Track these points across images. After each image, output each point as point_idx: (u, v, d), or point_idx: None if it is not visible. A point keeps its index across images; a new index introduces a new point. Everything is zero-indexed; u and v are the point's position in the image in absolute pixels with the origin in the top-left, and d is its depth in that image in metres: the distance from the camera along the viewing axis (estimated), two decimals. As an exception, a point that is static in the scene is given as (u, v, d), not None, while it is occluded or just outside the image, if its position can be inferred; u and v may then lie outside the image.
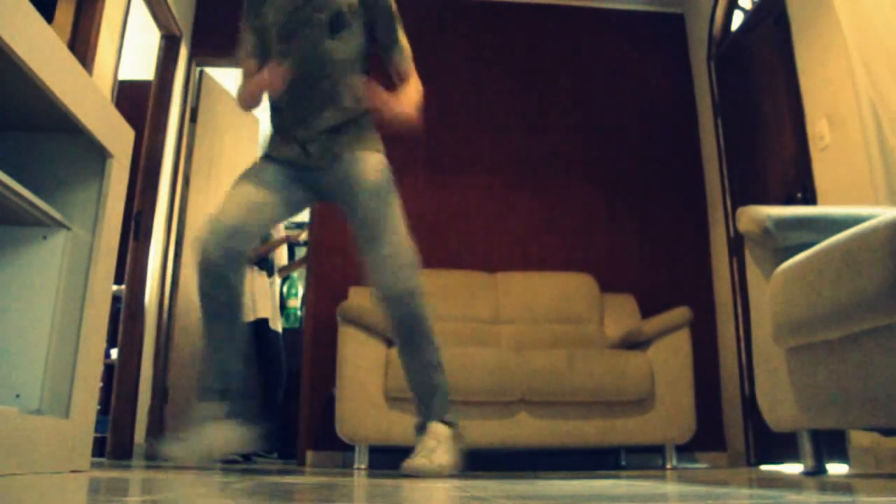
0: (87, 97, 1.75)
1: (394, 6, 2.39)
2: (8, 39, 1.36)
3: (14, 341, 1.73)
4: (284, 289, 5.88)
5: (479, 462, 3.48)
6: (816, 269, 1.87)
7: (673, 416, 3.19)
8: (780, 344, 2.11)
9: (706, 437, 3.61)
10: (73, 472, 1.75)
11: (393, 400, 3.06)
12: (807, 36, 3.17)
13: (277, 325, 4.53)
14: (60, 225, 1.82)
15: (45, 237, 1.82)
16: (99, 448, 3.31)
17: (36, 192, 1.72)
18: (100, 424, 2.89)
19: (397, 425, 3.03)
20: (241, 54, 2.41)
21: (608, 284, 3.92)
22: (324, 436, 3.55)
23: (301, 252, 5.81)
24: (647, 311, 3.70)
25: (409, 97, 2.35)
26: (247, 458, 3.93)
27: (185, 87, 4.16)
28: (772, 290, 2.10)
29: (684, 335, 3.29)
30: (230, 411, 2.18)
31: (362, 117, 2.36)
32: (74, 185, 1.90)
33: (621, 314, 3.78)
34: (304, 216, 5.41)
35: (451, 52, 4.36)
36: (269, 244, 4.27)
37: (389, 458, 2.79)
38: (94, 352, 1.90)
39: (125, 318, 3.53)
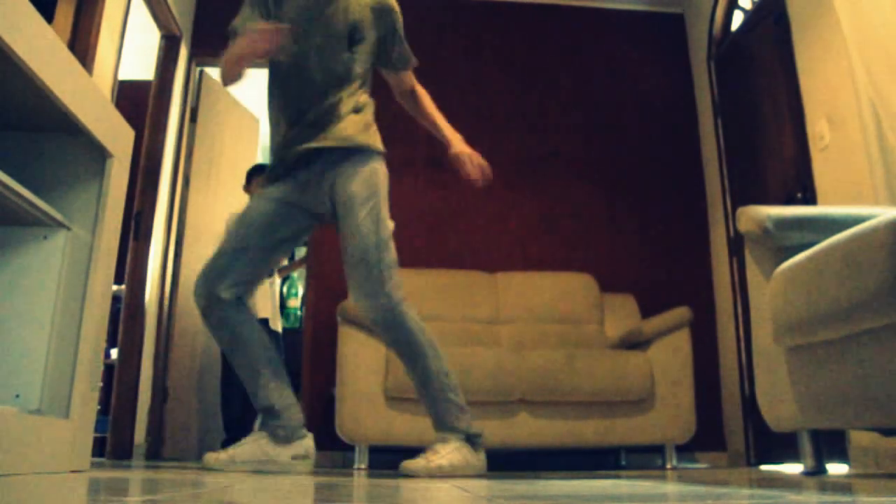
0: (87, 97, 1.75)
1: (401, 22, 2.37)
2: (8, 39, 1.36)
3: (14, 341, 1.73)
4: (284, 289, 5.89)
5: (479, 462, 3.48)
6: (816, 269, 1.87)
7: (673, 416, 3.19)
8: (780, 344, 2.11)
9: (706, 437, 3.61)
10: (73, 472, 1.75)
11: (393, 400, 3.06)
12: (807, 36, 3.16)
13: (277, 325, 4.53)
14: (60, 225, 1.82)
15: (45, 237, 1.82)
16: (99, 448, 3.31)
17: (36, 192, 1.72)
18: (100, 424, 2.89)
19: (397, 425, 3.03)
20: (237, 22, 2.23)
21: (608, 284, 3.91)
22: (324, 436, 3.54)
23: (301, 252, 5.81)
24: (647, 311, 3.70)
25: (469, 151, 2.44)
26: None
27: (185, 87, 4.16)
28: (772, 290, 2.10)
29: (684, 335, 3.29)
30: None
31: (362, 132, 2.30)
32: (74, 185, 1.90)
33: (621, 314, 3.78)
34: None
35: (451, 52, 4.36)
36: (269, 244, 4.25)
37: (389, 458, 2.78)
38: (94, 352, 1.90)
39: (125, 318, 3.53)
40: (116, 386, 3.46)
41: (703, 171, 4.27)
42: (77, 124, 1.74)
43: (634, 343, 3.35)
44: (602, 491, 1.37)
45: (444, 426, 2.24)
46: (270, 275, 4.50)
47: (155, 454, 3.68)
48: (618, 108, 4.38)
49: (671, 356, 3.25)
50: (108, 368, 3.76)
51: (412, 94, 2.49)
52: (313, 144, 2.22)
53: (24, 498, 1.00)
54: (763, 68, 3.59)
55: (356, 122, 2.28)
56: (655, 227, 4.18)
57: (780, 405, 2.16)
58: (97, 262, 1.87)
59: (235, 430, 3.95)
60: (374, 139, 2.31)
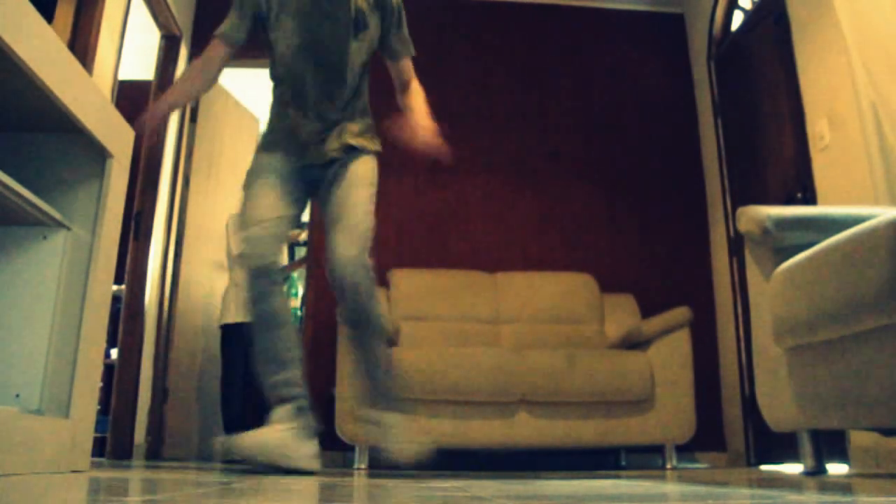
0: (87, 97, 1.75)
1: (402, 9, 2.36)
2: (8, 39, 1.36)
3: (14, 341, 1.73)
4: (284, 289, 5.88)
5: (479, 462, 3.48)
6: (816, 269, 1.87)
7: (673, 416, 3.19)
8: (780, 344, 2.11)
9: (706, 437, 3.61)
10: (73, 472, 1.75)
11: (393, 400, 3.06)
12: (807, 36, 3.16)
13: (277, 325, 4.52)
14: (60, 225, 1.82)
15: (45, 237, 1.82)
16: (99, 448, 3.31)
17: (36, 192, 1.72)
18: (100, 424, 2.89)
19: (397, 425, 3.03)
20: (220, 29, 2.28)
21: (608, 284, 3.91)
22: (324, 436, 3.54)
23: (301, 252, 5.81)
24: (647, 311, 3.70)
25: (429, 124, 2.31)
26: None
27: (185, 87, 4.15)
28: (772, 290, 2.10)
29: (684, 335, 3.29)
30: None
31: (367, 123, 2.37)
32: (74, 185, 1.90)
33: (621, 314, 3.78)
34: (304, 216, 5.40)
35: (451, 52, 4.36)
36: (269, 244, 4.26)
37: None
38: (94, 352, 1.90)
39: (125, 318, 3.53)
40: (116, 386, 3.46)
41: (703, 171, 4.27)
42: (77, 124, 1.74)
43: (634, 343, 3.35)
44: (602, 491, 1.37)
45: (389, 397, 2.24)
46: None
47: (155, 454, 3.68)
48: (618, 108, 4.38)
49: (671, 356, 3.25)
50: (108, 368, 3.76)
51: (409, 85, 2.45)
52: (332, 153, 2.30)
53: (24, 498, 1.00)
54: (763, 68, 3.59)
55: (369, 125, 2.38)
56: (655, 227, 4.18)
57: (780, 405, 2.16)
58: (97, 262, 1.87)
59: (235, 430, 3.94)
60: (379, 141, 2.40)
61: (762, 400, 2.27)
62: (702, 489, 1.46)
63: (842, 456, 2.77)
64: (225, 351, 3.99)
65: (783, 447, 3.11)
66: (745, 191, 3.76)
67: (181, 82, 2.58)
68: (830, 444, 2.53)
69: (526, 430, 3.11)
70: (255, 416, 4.20)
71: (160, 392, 3.79)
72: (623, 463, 3.65)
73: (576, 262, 4.03)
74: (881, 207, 2.28)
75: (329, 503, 1.06)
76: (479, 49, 4.41)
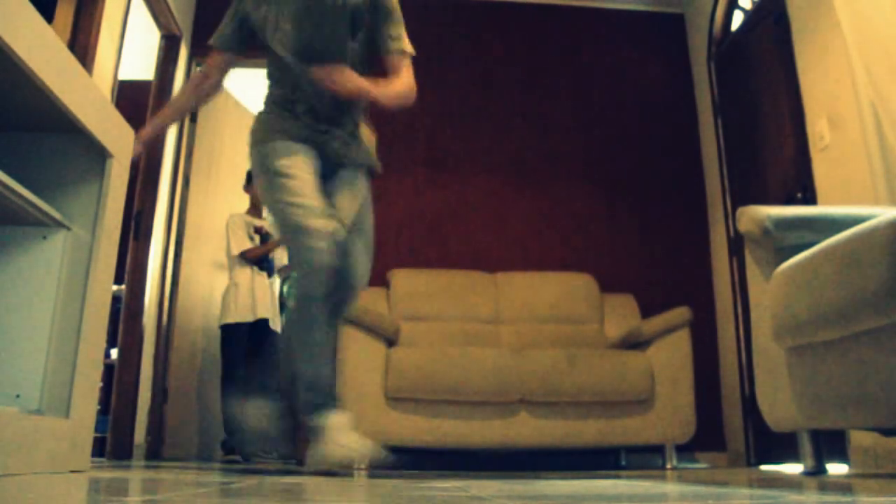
0: (87, 97, 1.75)
1: (395, 8, 2.32)
2: (8, 39, 1.36)
3: (14, 341, 1.73)
4: (284, 289, 5.88)
5: (479, 462, 3.48)
6: (816, 269, 1.87)
7: (673, 416, 3.19)
8: (780, 344, 2.11)
9: (706, 437, 3.61)
10: (73, 472, 1.75)
11: (393, 400, 3.07)
12: (807, 36, 3.16)
13: (277, 325, 4.53)
14: (60, 225, 1.82)
15: (45, 237, 1.82)
16: (99, 448, 3.31)
17: (36, 192, 1.72)
18: (100, 424, 2.88)
19: (397, 425, 3.04)
20: (213, 37, 2.31)
21: (608, 284, 3.92)
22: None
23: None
24: (647, 311, 3.70)
25: (395, 87, 2.23)
26: (246, 458, 3.93)
27: (185, 87, 4.16)
28: (772, 290, 2.10)
29: (684, 335, 3.29)
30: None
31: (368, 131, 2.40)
32: (74, 185, 1.90)
33: (621, 314, 3.78)
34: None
35: (451, 52, 4.36)
36: (269, 244, 4.27)
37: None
38: (94, 352, 1.90)
39: (125, 318, 3.53)
40: (116, 386, 3.46)
41: (703, 171, 4.27)
42: (77, 124, 1.74)
43: (634, 343, 3.35)
44: (602, 491, 1.37)
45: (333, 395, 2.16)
46: (270, 275, 4.51)
47: (155, 454, 3.68)
48: (618, 108, 4.38)
49: (671, 356, 3.25)
50: (108, 368, 3.76)
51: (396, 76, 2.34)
52: (347, 160, 2.31)
53: (24, 498, 1.00)
54: (763, 68, 3.59)
55: (372, 141, 2.41)
56: (655, 227, 4.18)
57: (780, 405, 2.16)
58: (97, 262, 1.87)
59: (236, 430, 3.94)
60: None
61: (762, 400, 2.27)
62: (702, 489, 1.46)
63: (842, 456, 2.77)
64: (225, 351, 3.99)
65: (783, 447, 3.11)
66: (745, 191, 3.76)
67: (174, 99, 2.62)
68: (830, 444, 2.53)
69: (526, 430, 3.11)
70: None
71: (160, 392, 3.79)
72: (623, 463, 3.65)
73: (576, 262, 4.03)
74: (881, 207, 2.28)
75: (329, 503, 1.06)
76: (479, 49, 4.41)
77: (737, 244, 3.77)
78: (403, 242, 4.06)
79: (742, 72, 3.83)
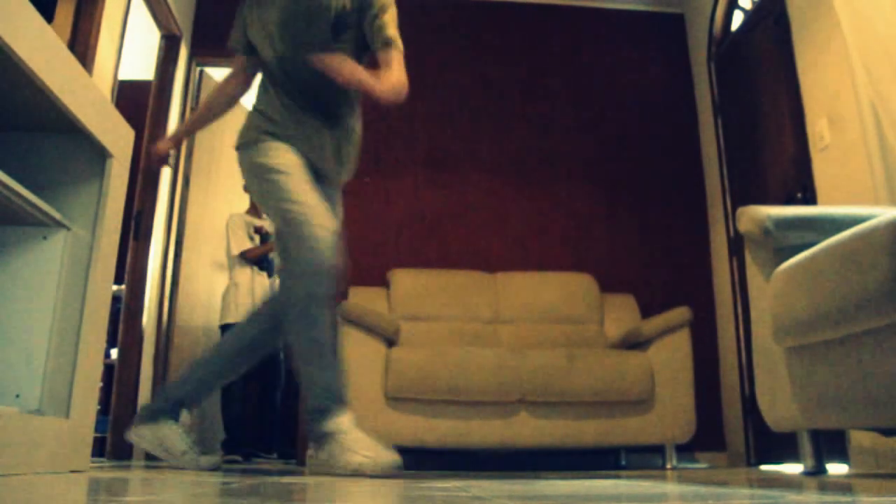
0: (87, 97, 1.75)
1: (385, 5, 2.22)
2: (8, 39, 1.36)
3: (14, 341, 1.73)
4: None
5: (479, 462, 3.48)
6: (817, 268, 1.87)
7: (673, 416, 3.19)
8: (780, 344, 2.11)
9: (706, 437, 3.61)
10: (73, 472, 1.75)
11: (393, 400, 3.06)
12: (807, 36, 3.16)
13: (277, 325, 4.52)
14: (60, 225, 1.82)
15: (45, 237, 1.82)
16: (99, 448, 3.31)
17: (36, 192, 1.72)
18: (100, 424, 2.89)
19: (397, 425, 3.03)
20: (229, 41, 2.43)
21: (608, 284, 3.92)
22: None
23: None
24: (647, 311, 3.70)
25: (388, 80, 2.14)
26: (247, 457, 3.93)
27: (185, 87, 4.16)
28: (772, 290, 2.10)
29: (684, 335, 3.29)
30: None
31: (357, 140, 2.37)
32: (74, 185, 1.90)
33: (621, 314, 3.78)
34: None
35: (450, 53, 4.36)
36: (269, 244, 4.27)
37: (389, 458, 2.78)
38: (94, 352, 1.90)
39: (125, 318, 3.53)
40: (116, 386, 3.46)
41: (703, 171, 4.27)
42: (77, 124, 1.74)
43: (634, 343, 3.35)
44: (602, 491, 1.37)
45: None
46: (271, 275, 4.51)
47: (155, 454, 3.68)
48: (618, 108, 4.38)
49: (671, 356, 3.25)
50: (108, 368, 3.76)
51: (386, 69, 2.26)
52: (345, 176, 2.35)
53: (24, 498, 1.00)
54: (763, 68, 3.59)
55: (359, 155, 2.41)
56: (655, 227, 4.18)
57: (779, 405, 2.16)
58: (97, 262, 1.87)
59: (235, 430, 3.95)
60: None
61: (762, 400, 2.27)
62: (702, 489, 1.46)
63: (842, 456, 2.77)
64: (225, 351, 3.98)
65: (783, 447, 3.11)
66: (745, 191, 3.77)
67: (205, 101, 2.65)
68: (830, 444, 2.53)
69: (526, 430, 3.11)
70: (256, 416, 4.21)
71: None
72: (623, 463, 3.65)
73: (576, 262, 4.03)
74: (881, 207, 2.28)
75: (329, 503, 1.06)
76: (479, 49, 4.41)
77: (737, 244, 3.77)
78: (403, 242, 4.06)
79: (742, 72, 3.83)
